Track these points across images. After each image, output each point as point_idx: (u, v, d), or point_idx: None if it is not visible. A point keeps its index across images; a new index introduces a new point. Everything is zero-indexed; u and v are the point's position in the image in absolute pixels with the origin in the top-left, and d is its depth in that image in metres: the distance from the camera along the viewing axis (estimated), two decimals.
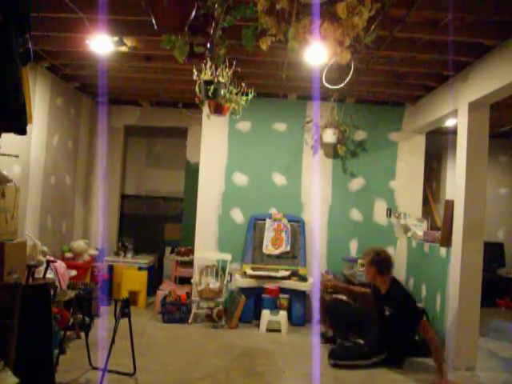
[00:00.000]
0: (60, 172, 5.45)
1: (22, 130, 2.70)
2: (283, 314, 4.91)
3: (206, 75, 3.42)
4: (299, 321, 5.12)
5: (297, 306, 5.13)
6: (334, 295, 4.96)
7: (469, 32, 3.44)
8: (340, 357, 3.99)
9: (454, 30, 3.37)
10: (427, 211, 6.54)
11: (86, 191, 6.25)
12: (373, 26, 3.00)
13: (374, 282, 4.18)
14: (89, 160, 6.26)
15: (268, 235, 5.39)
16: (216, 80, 3.42)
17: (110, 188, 6.45)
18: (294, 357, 4.17)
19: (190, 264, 5.62)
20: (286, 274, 5.11)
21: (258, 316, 5.01)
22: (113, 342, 3.22)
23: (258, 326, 4.97)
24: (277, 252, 5.35)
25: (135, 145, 7.03)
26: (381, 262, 4.05)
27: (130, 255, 6.07)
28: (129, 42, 3.91)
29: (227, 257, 5.32)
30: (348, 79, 3.41)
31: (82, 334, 3.89)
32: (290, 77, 4.75)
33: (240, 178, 5.62)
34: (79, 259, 5.30)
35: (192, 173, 6.26)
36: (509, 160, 7.20)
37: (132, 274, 5.71)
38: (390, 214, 5.59)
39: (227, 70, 3.50)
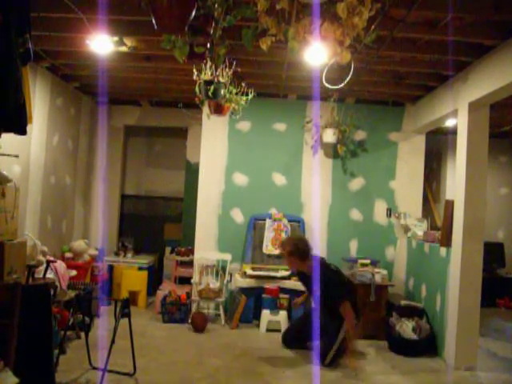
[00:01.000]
0: (60, 172, 5.45)
1: (22, 130, 2.71)
2: (283, 313, 4.91)
3: (206, 75, 3.41)
4: None
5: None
6: None
7: (469, 32, 3.44)
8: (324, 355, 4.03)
9: (454, 30, 3.37)
10: (427, 211, 6.54)
11: (86, 191, 6.25)
12: (373, 26, 3.00)
13: (299, 270, 4.27)
14: (89, 160, 6.26)
15: (268, 235, 5.39)
16: (216, 80, 3.41)
17: (110, 188, 6.45)
18: (294, 357, 4.17)
19: (190, 264, 5.62)
20: (286, 274, 5.10)
21: (258, 316, 5.01)
22: (113, 342, 3.22)
23: (258, 325, 4.97)
24: (277, 252, 5.34)
25: (135, 145, 7.03)
26: (302, 250, 4.13)
27: (130, 255, 6.07)
28: (129, 42, 3.91)
29: (227, 257, 5.32)
30: (348, 79, 3.41)
31: (82, 334, 3.89)
32: (290, 77, 4.75)
33: (240, 178, 5.62)
34: (79, 259, 5.30)
35: (192, 173, 6.26)
36: (509, 160, 7.20)
37: (132, 274, 5.71)
38: (390, 214, 5.59)
39: (227, 70, 3.50)
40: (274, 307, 4.95)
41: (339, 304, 4.01)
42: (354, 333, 4.04)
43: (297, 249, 4.10)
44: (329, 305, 4.13)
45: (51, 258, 4.16)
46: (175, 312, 4.99)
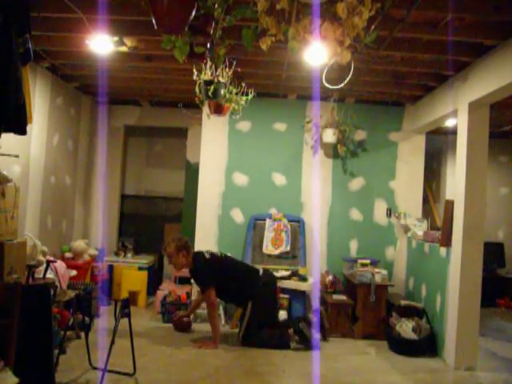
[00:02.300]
0: (60, 172, 5.45)
1: (22, 130, 2.71)
2: (283, 314, 4.90)
3: (206, 75, 3.41)
4: None
5: (297, 305, 5.11)
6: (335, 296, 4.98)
7: (469, 32, 3.44)
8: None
9: (454, 30, 3.37)
10: (427, 211, 6.54)
11: (86, 191, 6.25)
12: (373, 26, 3.00)
13: (187, 267, 4.43)
14: (89, 160, 6.26)
15: (268, 235, 5.39)
16: (216, 80, 3.42)
17: (110, 188, 6.44)
18: (294, 357, 4.17)
19: None
20: (286, 273, 5.10)
21: None
22: (113, 342, 3.22)
23: None
24: (277, 252, 5.35)
25: (135, 145, 7.03)
26: (185, 243, 4.37)
27: (130, 255, 6.07)
28: (129, 42, 3.91)
29: None
30: (348, 79, 3.41)
31: (82, 334, 3.89)
32: (290, 77, 4.75)
33: (240, 178, 5.62)
34: (79, 259, 5.31)
35: (192, 173, 6.25)
36: (509, 160, 7.20)
37: (132, 274, 5.71)
38: (390, 214, 5.59)
39: (227, 70, 3.50)
40: None
41: (203, 291, 4.40)
42: (215, 321, 4.32)
43: (181, 244, 4.33)
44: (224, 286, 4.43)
45: (51, 258, 4.16)
46: (175, 312, 4.98)
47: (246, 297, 4.44)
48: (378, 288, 4.79)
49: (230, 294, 4.51)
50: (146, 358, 3.82)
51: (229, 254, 4.77)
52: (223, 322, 5.01)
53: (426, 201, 6.35)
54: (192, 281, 4.86)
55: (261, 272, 4.62)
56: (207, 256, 4.42)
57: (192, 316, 4.88)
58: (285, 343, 4.35)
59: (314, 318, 4.68)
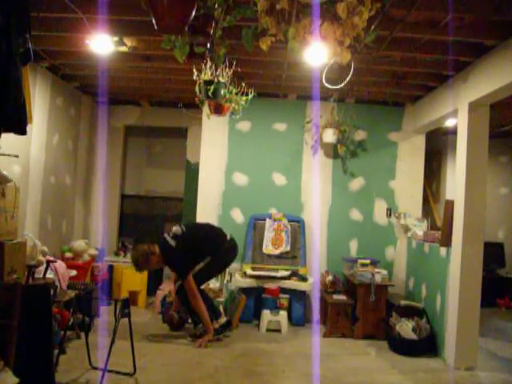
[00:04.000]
0: (60, 172, 5.45)
1: (22, 130, 2.70)
2: (283, 313, 4.91)
3: (206, 75, 3.42)
4: (299, 321, 5.13)
5: (297, 306, 5.13)
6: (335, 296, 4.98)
7: (469, 32, 3.44)
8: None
9: (454, 30, 3.37)
10: (427, 211, 6.54)
11: (86, 191, 6.25)
12: (373, 26, 3.00)
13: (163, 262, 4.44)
14: (89, 160, 6.26)
15: (268, 235, 5.39)
16: (216, 80, 3.42)
17: (109, 188, 6.45)
18: (294, 357, 4.17)
19: None
20: (286, 274, 5.11)
21: (258, 316, 5.02)
22: (113, 341, 3.22)
23: (258, 326, 4.97)
24: (277, 252, 5.35)
25: (135, 145, 7.02)
26: (146, 250, 4.29)
27: (130, 255, 6.06)
28: (129, 41, 3.91)
29: None
30: (348, 79, 3.41)
31: (82, 334, 3.89)
32: (290, 77, 4.75)
33: (240, 178, 5.62)
34: (79, 259, 5.30)
35: (192, 173, 6.25)
36: (509, 160, 7.20)
37: (132, 274, 5.69)
38: (390, 214, 5.59)
39: (227, 70, 3.50)
40: (274, 307, 4.95)
41: (181, 279, 4.35)
42: (201, 307, 4.31)
43: (144, 254, 4.26)
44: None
45: (51, 258, 4.16)
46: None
47: (208, 252, 4.47)
48: (378, 288, 4.79)
49: (200, 256, 4.48)
50: (146, 358, 3.82)
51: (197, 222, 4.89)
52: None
53: (426, 201, 6.35)
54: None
55: (228, 237, 4.63)
56: (172, 243, 4.38)
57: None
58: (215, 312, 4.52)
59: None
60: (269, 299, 4.97)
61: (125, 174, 6.90)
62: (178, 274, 4.45)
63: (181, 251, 4.36)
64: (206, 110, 4.30)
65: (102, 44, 3.75)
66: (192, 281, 4.29)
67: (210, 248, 4.51)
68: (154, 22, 2.21)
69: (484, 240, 4.11)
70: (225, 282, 5.19)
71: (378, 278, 4.81)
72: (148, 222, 6.96)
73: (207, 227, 4.77)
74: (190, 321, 4.64)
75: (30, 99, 3.53)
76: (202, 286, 4.57)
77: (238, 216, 5.59)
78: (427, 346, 4.36)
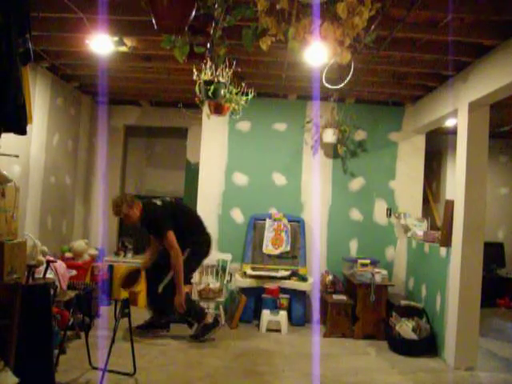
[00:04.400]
0: (60, 172, 5.45)
1: (21, 130, 2.70)
2: (283, 313, 4.91)
3: (206, 75, 3.42)
4: (299, 321, 5.13)
5: (297, 306, 5.13)
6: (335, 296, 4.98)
7: (469, 32, 3.43)
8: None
9: (454, 30, 3.37)
10: (427, 211, 6.54)
11: (86, 191, 6.25)
12: (373, 26, 3.01)
13: (141, 220, 4.33)
14: (89, 160, 6.26)
15: (268, 235, 5.39)
16: (216, 80, 3.42)
17: (109, 188, 6.44)
18: (294, 357, 4.17)
19: None
20: (286, 274, 5.11)
21: (258, 316, 5.02)
22: (113, 341, 3.22)
23: (258, 326, 4.97)
24: (277, 252, 5.35)
25: (135, 145, 7.03)
26: (133, 198, 4.32)
27: (130, 255, 6.07)
28: (129, 42, 3.91)
29: (227, 257, 5.32)
30: (348, 79, 3.41)
31: (82, 334, 3.89)
32: (290, 77, 4.75)
33: (240, 178, 5.62)
34: (79, 259, 5.30)
35: (192, 173, 6.25)
36: (509, 160, 7.20)
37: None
38: (390, 214, 5.59)
39: (227, 70, 3.50)
40: (274, 307, 4.95)
41: (163, 236, 4.22)
42: (179, 271, 4.22)
43: (130, 199, 4.26)
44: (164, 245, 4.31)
45: (51, 258, 4.15)
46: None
47: (188, 243, 4.37)
48: (378, 288, 4.79)
49: (177, 237, 4.31)
50: (146, 358, 3.82)
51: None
52: (223, 321, 5.01)
53: (426, 201, 6.35)
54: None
55: (206, 228, 4.64)
56: (159, 203, 4.40)
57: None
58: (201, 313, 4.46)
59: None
60: (269, 299, 4.97)
61: (125, 174, 6.90)
62: (159, 229, 4.27)
63: (165, 210, 4.36)
64: (206, 109, 4.30)
65: (102, 44, 3.75)
66: (174, 237, 4.19)
67: (191, 232, 4.45)
68: (153, 21, 2.21)
69: (484, 240, 4.11)
70: (225, 281, 5.20)
71: (378, 278, 4.81)
72: None
73: (194, 213, 4.83)
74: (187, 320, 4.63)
75: (30, 99, 3.53)
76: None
77: (238, 216, 5.59)
78: (427, 346, 4.36)
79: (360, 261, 5.01)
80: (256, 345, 4.45)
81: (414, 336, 4.34)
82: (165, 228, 4.22)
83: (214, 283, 5.13)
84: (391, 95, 5.36)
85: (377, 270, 4.93)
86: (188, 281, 4.61)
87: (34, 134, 4.72)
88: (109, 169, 6.44)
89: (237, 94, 3.93)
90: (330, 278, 5.18)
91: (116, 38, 3.78)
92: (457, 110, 4.30)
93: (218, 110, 3.95)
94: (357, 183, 5.63)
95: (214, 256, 5.35)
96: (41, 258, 4.00)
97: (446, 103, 4.56)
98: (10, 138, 2.79)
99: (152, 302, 4.54)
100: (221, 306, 5.07)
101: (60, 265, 4.39)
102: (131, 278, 4.52)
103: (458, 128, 4.31)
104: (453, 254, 4.18)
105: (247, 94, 3.99)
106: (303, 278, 5.09)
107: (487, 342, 4.75)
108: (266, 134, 5.64)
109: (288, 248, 5.35)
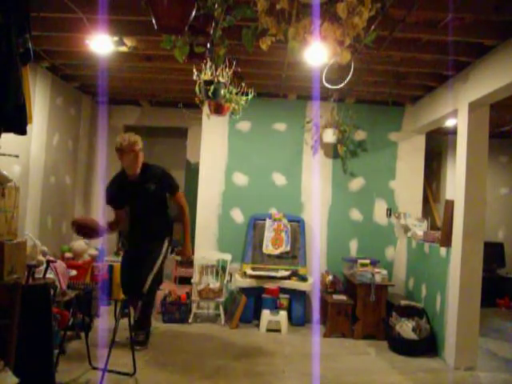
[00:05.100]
0: (60, 172, 5.45)
1: (22, 130, 2.71)
2: (283, 313, 4.91)
3: (206, 75, 3.42)
4: (299, 321, 5.13)
5: (297, 306, 5.13)
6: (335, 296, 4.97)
7: (469, 32, 3.44)
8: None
9: (454, 30, 3.37)
10: (427, 211, 6.54)
11: (86, 191, 6.25)
12: (373, 26, 3.00)
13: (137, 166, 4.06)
14: (89, 160, 6.26)
15: (268, 235, 5.39)
16: (216, 80, 3.42)
17: None
18: (294, 357, 4.17)
19: (190, 264, 5.62)
20: (286, 273, 5.11)
21: (258, 316, 5.01)
22: (113, 342, 3.22)
23: (257, 326, 4.97)
24: (277, 252, 5.35)
25: None
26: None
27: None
28: (129, 42, 3.91)
29: (227, 257, 5.33)
30: (348, 79, 3.41)
31: (82, 334, 3.89)
32: (290, 77, 4.75)
33: (240, 178, 5.62)
34: (79, 259, 5.30)
35: (192, 173, 6.25)
36: (509, 160, 7.20)
37: None
38: (390, 214, 5.59)
39: (227, 70, 3.50)
40: (274, 307, 4.95)
41: (175, 195, 4.16)
42: (189, 225, 4.23)
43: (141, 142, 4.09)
44: (155, 211, 4.14)
45: (51, 258, 4.15)
46: (175, 312, 4.99)
47: (167, 233, 4.20)
48: (378, 288, 4.79)
49: (157, 221, 4.14)
50: (146, 358, 3.82)
51: None
52: (223, 321, 5.01)
53: (426, 201, 6.35)
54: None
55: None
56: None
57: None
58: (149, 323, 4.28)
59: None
60: (269, 299, 4.97)
61: None
62: (172, 186, 4.17)
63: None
64: (205, 109, 4.30)
65: (102, 44, 3.75)
66: (184, 197, 4.20)
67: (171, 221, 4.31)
68: (153, 21, 2.21)
69: (484, 240, 4.11)
70: (225, 281, 5.20)
71: (377, 278, 4.81)
72: None
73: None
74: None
75: (30, 99, 3.52)
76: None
77: (238, 216, 5.59)
78: (427, 345, 4.36)
79: (360, 261, 5.01)
80: (256, 345, 4.44)
81: (414, 336, 4.34)
82: (178, 186, 4.22)
83: (213, 283, 5.14)
84: (391, 95, 5.34)
85: (377, 269, 4.93)
86: (158, 286, 4.34)
87: (34, 133, 4.72)
88: (109, 169, 6.43)
89: (237, 94, 3.93)
90: (330, 278, 5.18)
91: (116, 38, 3.78)
92: (457, 110, 4.30)
93: (217, 110, 3.95)
94: (357, 183, 5.63)
95: (214, 256, 5.36)
96: (41, 257, 4.01)
97: (445, 103, 4.56)
98: (9, 137, 2.79)
99: (138, 296, 4.13)
100: (221, 306, 5.07)
101: (60, 265, 4.39)
102: (90, 229, 4.10)
103: (457, 128, 4.31)
104: (453, 254, 4.18)
105: (247, 94, 3.99)
106: (303, 278, 5.09)
107: (487, 342, 4.75)
108: (266, 134, 5.64)
109: (288, 248, 5.35)
